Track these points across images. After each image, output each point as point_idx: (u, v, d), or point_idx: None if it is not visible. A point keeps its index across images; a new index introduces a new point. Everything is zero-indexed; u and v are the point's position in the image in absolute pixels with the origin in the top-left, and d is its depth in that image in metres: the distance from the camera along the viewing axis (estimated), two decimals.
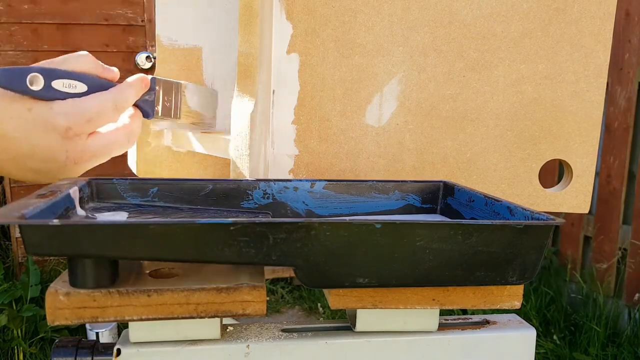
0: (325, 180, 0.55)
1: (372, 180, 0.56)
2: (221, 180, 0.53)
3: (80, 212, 0.46)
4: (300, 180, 0.55)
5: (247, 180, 0.54)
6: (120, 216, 0.48)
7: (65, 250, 0.35)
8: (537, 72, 0.68)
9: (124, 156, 0.75)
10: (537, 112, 0.69)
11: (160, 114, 0.60)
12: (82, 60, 0.53)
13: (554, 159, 0.71)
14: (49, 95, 0.49)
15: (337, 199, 0.56)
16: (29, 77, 0.48)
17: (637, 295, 2.17)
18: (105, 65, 0.55)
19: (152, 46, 2.59)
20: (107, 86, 0.53)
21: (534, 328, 0.47)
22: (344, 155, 0.66)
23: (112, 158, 0.55)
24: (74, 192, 0.46)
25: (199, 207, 0.53)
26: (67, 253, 0.35)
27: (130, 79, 0.56)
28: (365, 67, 0.65)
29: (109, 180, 0.51)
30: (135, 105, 0.56)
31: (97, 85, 0.52)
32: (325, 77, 0.64)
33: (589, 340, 2.12)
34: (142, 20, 2.59)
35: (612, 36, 0.68)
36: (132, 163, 0.74)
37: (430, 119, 0.67)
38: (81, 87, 0.51)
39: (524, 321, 0.48)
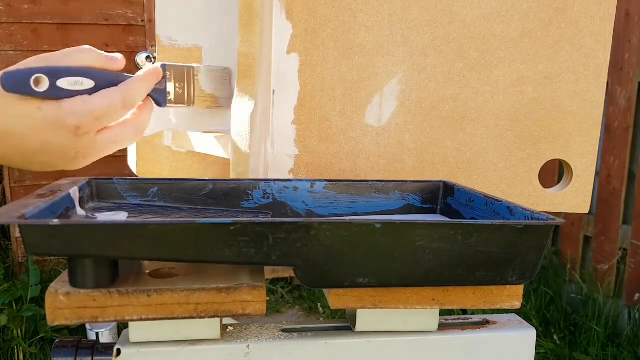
0: (325, 180, 0.55)
1: (372, 180, 0.56)
2: (221, 180, 0.53)
3: (80, 212, 0.46)
4: (300, 180, 0.55)
5: (247, 180, 0.54)
6: (120, 216, 0.48)
7: (65, 250, 0.35)
8: (537, 72, 0.68)
9: (124, 156, 0.75)
10: (537, 112, 0.69)
11: (173, 102, 0.58)
12: (86, 55, 0.52)
13: (554, 159, 0.71)
14: (55, 94, 0.49)
15: (337, 199, 0.56)
16: (32, 79, 0.48)
17: (637, 295, 2.17)
18: (109, 54, 0.53)
19: (152, 46, 2.59)
20: (115, 79, 0.52)
21: (534, 328, 0.47)
22: (344, 155, 0.66)
23: (113, 158, 0.55)
24: (74, 192, 0.46)
25: (199, 207, 0.53)
26: (67, 253, 0.35)
27: (140, 73, 0.55)
28: (365, 67, 0.65)
29: (109, 180, 0.51)
30: (147, 95, 0.55)
31: (105, 79, 0.51)
32: (325, 77, 0.64)
33: (589, 340, 2.12)
34: (142, 20, 2.59)
35: (612, 36, 0.68)
36: (132, 163, 0.74)
37: (430, 119, 0.67)
38: (88, 84, 0.50)
39: (524, 321, 0.48)
